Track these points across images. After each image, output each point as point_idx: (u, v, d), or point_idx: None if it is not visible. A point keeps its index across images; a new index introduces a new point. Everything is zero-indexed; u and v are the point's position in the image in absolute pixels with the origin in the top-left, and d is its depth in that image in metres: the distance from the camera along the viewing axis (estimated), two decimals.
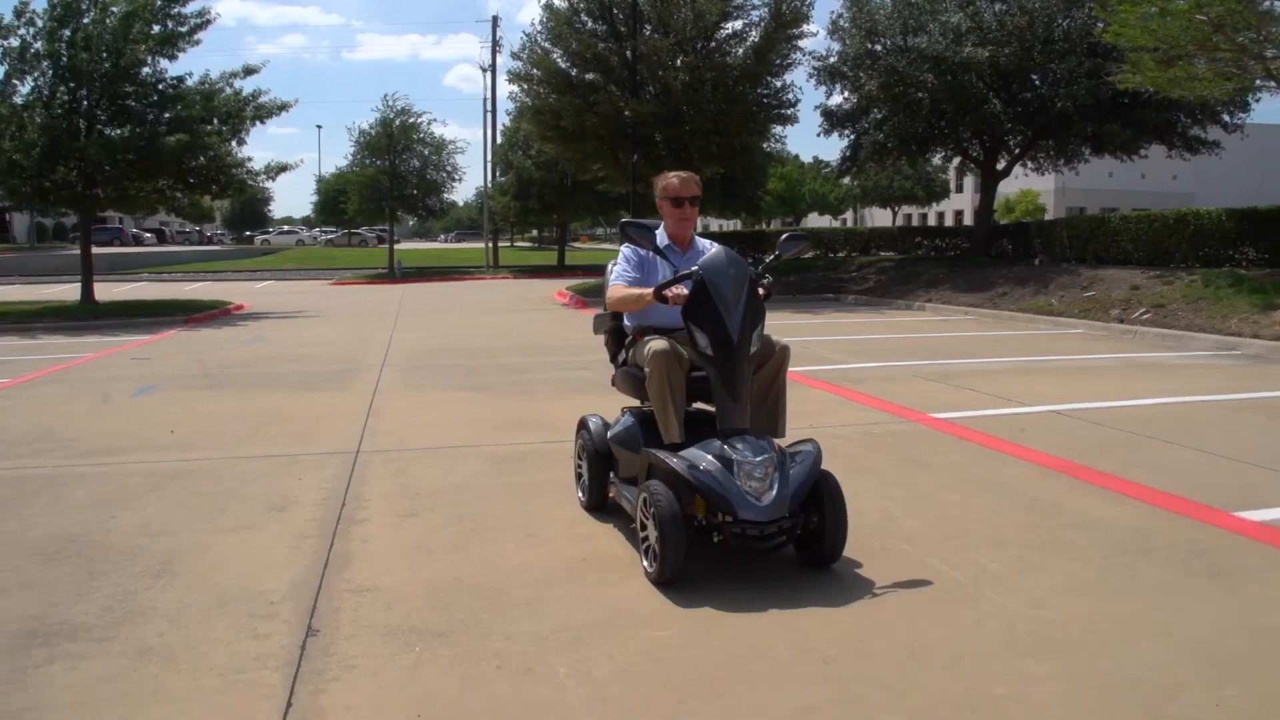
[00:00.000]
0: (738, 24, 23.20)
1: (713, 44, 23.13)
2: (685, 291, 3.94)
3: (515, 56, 23.08)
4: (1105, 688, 2.83)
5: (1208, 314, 13.20)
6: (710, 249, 4.28)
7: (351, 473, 5.58)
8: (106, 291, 22.21)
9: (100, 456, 6.12)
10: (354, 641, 3.20)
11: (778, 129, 26.30)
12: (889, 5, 22.41)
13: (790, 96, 23.68)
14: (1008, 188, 67.52)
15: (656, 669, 2.99)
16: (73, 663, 3.05)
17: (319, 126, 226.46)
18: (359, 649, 3.14)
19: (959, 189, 78.62)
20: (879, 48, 22.25)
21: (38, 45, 18.30)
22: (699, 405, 4.30)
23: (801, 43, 23.30)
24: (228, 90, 19.84)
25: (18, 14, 18.37)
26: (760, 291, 4.07)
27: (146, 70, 18.95)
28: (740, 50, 23.04)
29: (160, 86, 19.27)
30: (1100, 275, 17.07)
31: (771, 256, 4.56)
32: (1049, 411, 7.34)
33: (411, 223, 51.27)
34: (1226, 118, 21.13)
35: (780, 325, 14.48)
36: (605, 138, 22.20)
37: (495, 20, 49.78)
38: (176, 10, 19.20)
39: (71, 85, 18.23)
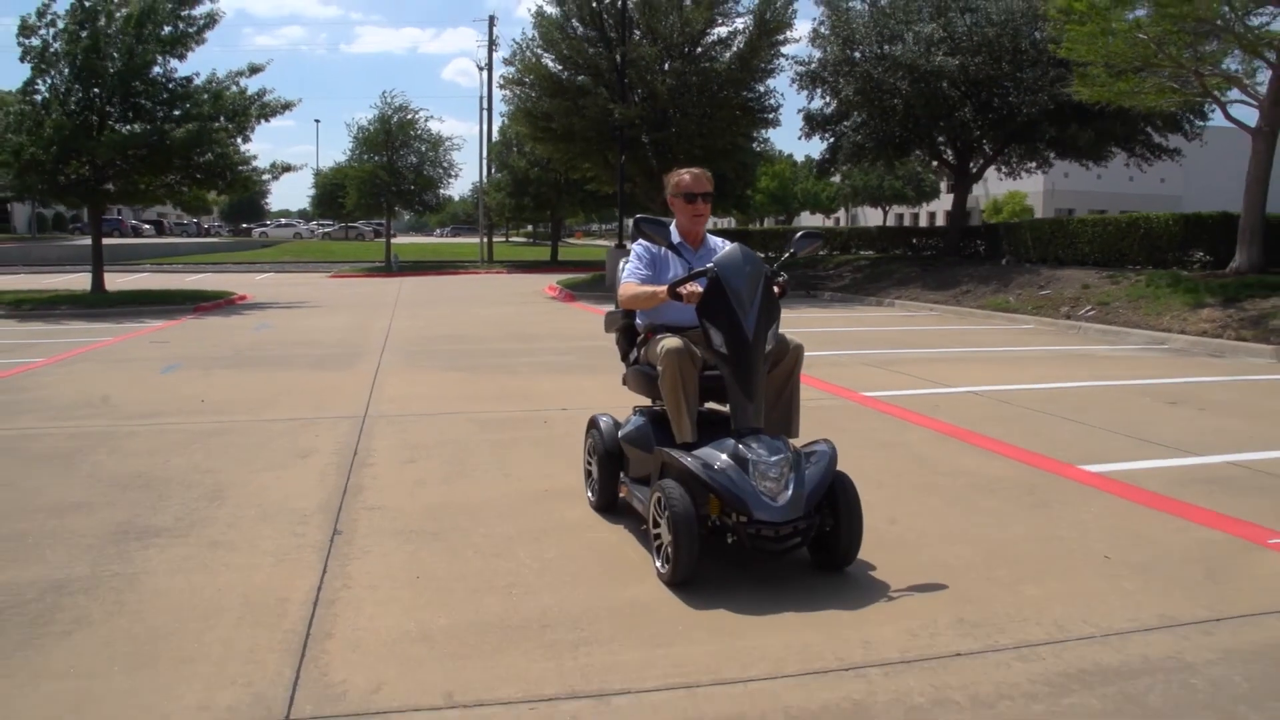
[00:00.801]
0: (723, 31, 24.29)
1: (699, 50, 24.21)
2: (699, 289, 3.91)
3: (507, 63, 24.16)
4: (917, 570, 3.91)
5: (1144, 311, 14.31)
6: (723, 246, 4.32)
7: (360, 431, 6.66)
8: (112, 281, 23.16)
9: (145, 418, 7.20)
10: (369, 539, 4.29)
11: (762, 131, 27.49)
12: (866, 15, 23.49)
13: (772, 101, 24.82)
14: (996, 189, 68.72)
15: (592, 554, 4.08)
16: (162, 549, 4.13)
17: (317, 121, 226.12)
18: (372, 543, 4.22)
19: (950, 190, 79.69)
20: (857, 55, 23.34)
21: (56, 45, 19.26)
22: (710, 404, 4.31)
23: (785, 49, 24.45)
24: (234, 88, 20.82)
25: (40, 14, 19.33)
26: (775, 289, 4.03)
27: (157, 70, 19.93)
28: (725, 56, 24.12)
29: (170, 85, 20.24)
30: (1058, 275, 18.18)
31: (787, 253, 4.48)
32: (967, 392, 8.43)
33: (407, 217, 52.15)
34: (1186, 126, 22.28)
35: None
36: (593, 139, 23.29)
37: (492, 20, 50.97)
38: (186, 13, 20.17)
39: (86, 84, 19.21)
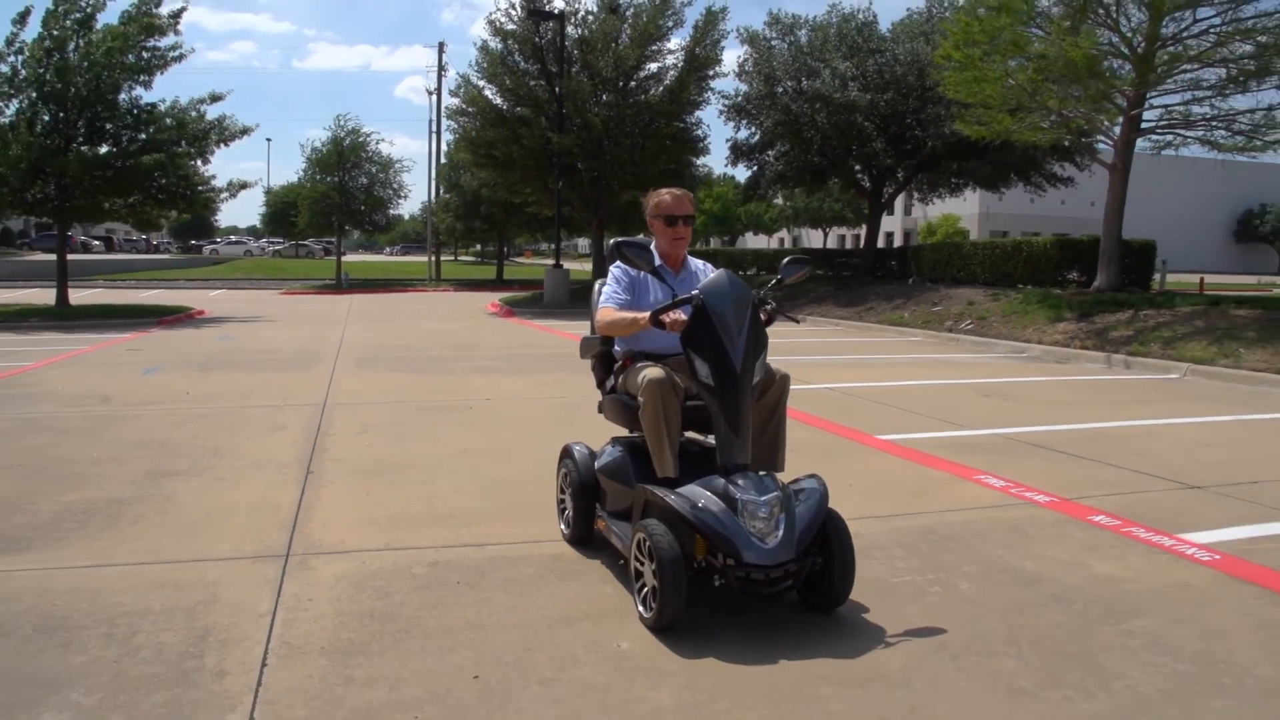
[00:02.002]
0: (655, 66, 26.21)
1: (633, 83, 26.09)
2: (684, 317, 3.77)
3: (453, 94, 25.87)
4: None
5: (1013, 324, 16.31)
6: (705, 270, 4.34)
7: (322, 413, 8.30)
8: (69, 296, 24.36)
9: (144, 406, 8.78)
10: (333, 476, 5.95)
11: (694, 159, 29.46)
12: (786, 53, 25.53)
13: (700, 132, 26.77)
14: (930, 212, 71.49)
15: (494, 481, 5.79)
16: (184, 482, 5.76)
17: (269, 140, 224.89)
18: (336, 478, 5.89)
19: (889, 211, 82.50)
20: (779, 90, 25.36)
21: (24, 72, 20.58)
22: (691, 434, 4.18)
23: (713, 83, 26.43)
24: (194, 114, 22.27)
25: (8, 42, 20.68)
26: (762, 317, 3.91)
27: (124, 96, 21.32)
28: (657, 89, 26.03)
29: (135, 111, 21.63)
30: (952, 293, 20.19)
31: (774, 280, 4.23)
32: (824, 388, 10.23)
33: (356, 235, 53.48)
34: (1077, 157, 24.52)
35: None
36: (533, 166, 25.09)
37: (441, 46, 52.79)
38: (152, 43, 21.60)
39: (53, 108, 20.56)
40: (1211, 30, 15.72)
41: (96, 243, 72.56)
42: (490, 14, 25.71)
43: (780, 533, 3.43)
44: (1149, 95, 17.03)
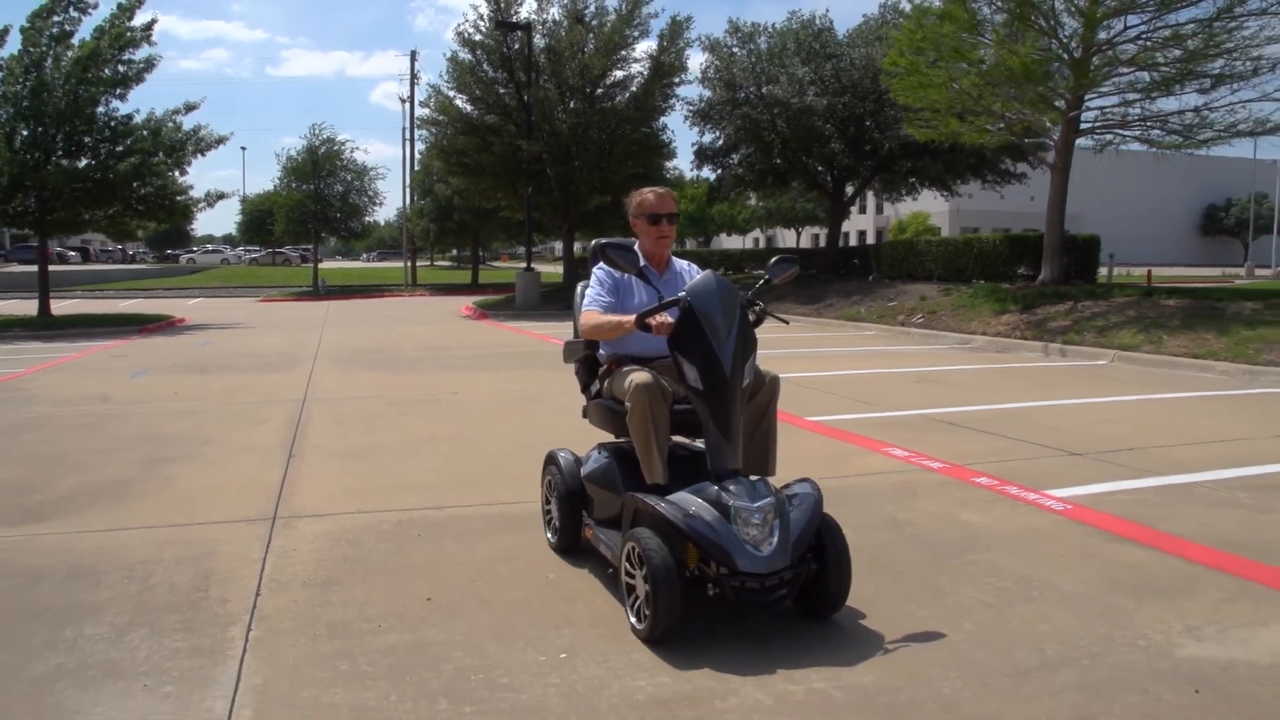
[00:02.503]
0: (620, 74, 26.99)
1: (600, 91, 26.85)
2: (670, 319, 3.72)
3: (423, 105, 26.60)
4: None
5: (961, 318, 17.16)
6: (690, 271, 4.32)
7: (302, 408, 9.02)
8: (50, 307, 24.88)
9: (137, 405, 9.47)
10: (313, 458, 6.68)
11: (662, 162, 30.26)
12: (746, 59, 26.37)
13: (665, 137, 27.59)
14: (901, 209, 72.50)
15: (460, 459, 6.53)
16: (180, 465, 6.48)
17: (243, 149, 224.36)
18: (315, 460, 6.62)
19: (862, 210, 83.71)
20: (740, 95, 26.19)
21: (2, 89, 21.14)
22: (678, 439, 4.14)
23: (679, 89, 27.25)
24: (170, 124, 22.86)
25: None
26: (751, 318, 3.86)
27: (101, 110, 21.89)
28: (623, 97, 26.81)
29: (112, 124, 22.18)
30: (907, 289, 21.04)
31: (761, 281, 4.09)
32: None
33: (333, 242, 54.03)
34: (1030, 156, 25.43)
35: None
36: (503, 173, 25.80)
37: (413, 55, 53.37)
38: (127, 56, 22.18)
39: (31, 123, 21.12)
40: (1142, 37, 16.61)
41: (73, 254, 72.69)
42: (459, 25, 26.36)
43: (775, 539, 3.35)
44: (1087, 98, 17.91)
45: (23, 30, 21.46)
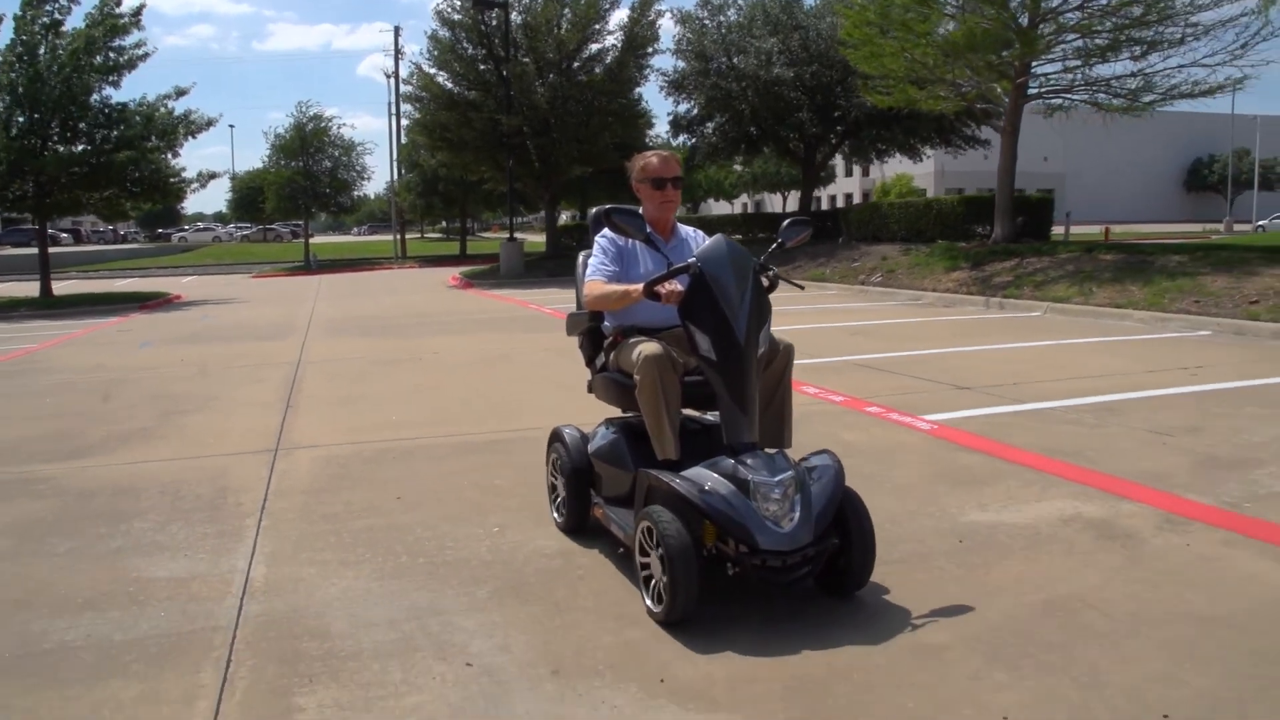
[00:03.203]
0: (595, 47, 27.87)
1: (576, 64, 27.73)
2: (680, 287, 3.57)
3: (405, 82, 27.49)
4: None
5: (915, 276, 18.22)
6: (696, 237, 4.19)
7: (296, 369, 10.08)
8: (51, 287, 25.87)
9: (147, 371, 10.53)
10: (308, 407, 7.76)
11: (645, 130, 31.20)
12: (717, 31, 27.29)
13: (640, 108, 28.51)
14: (887, 171, 73.17)
15: (430, 404, 7.60)
16: (191, 415, 7.55)
17: (231, 126, 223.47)
18: (310, 408, 7.69)
19: (848, 173, 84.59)
20: (712, 66, 27.12)
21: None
22: (688, 412, 3.96)
23: (653, 60, 28.15)
24: (162, 109, 23.75)
25: None
26: (764, 284, 3.68)
27: (95, 97, 22.76)
28: (598, 70, 27.70)
29: (106, 110, 23.06)
30: (871, 250, 22.07)
31: (775, 244, 3.95)
32: None
33: (324, 217, 54.85)
34: (994, 121, 26.40)
35: None
36: (484, 147, 26.74)
37: (397, 30, 54.15)
38: (117, 43, 23.01)
39: (27, 110, 21.99)
40: (1083, 7, 17.56)
41: (65, 235, 73.31)
42: (437, 5, 27.19)
43: (796, 515, 3.21)
44: (1035, 65, 18.88)
45: (15, 19, 22.26)
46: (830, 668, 2.98)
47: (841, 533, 3.39)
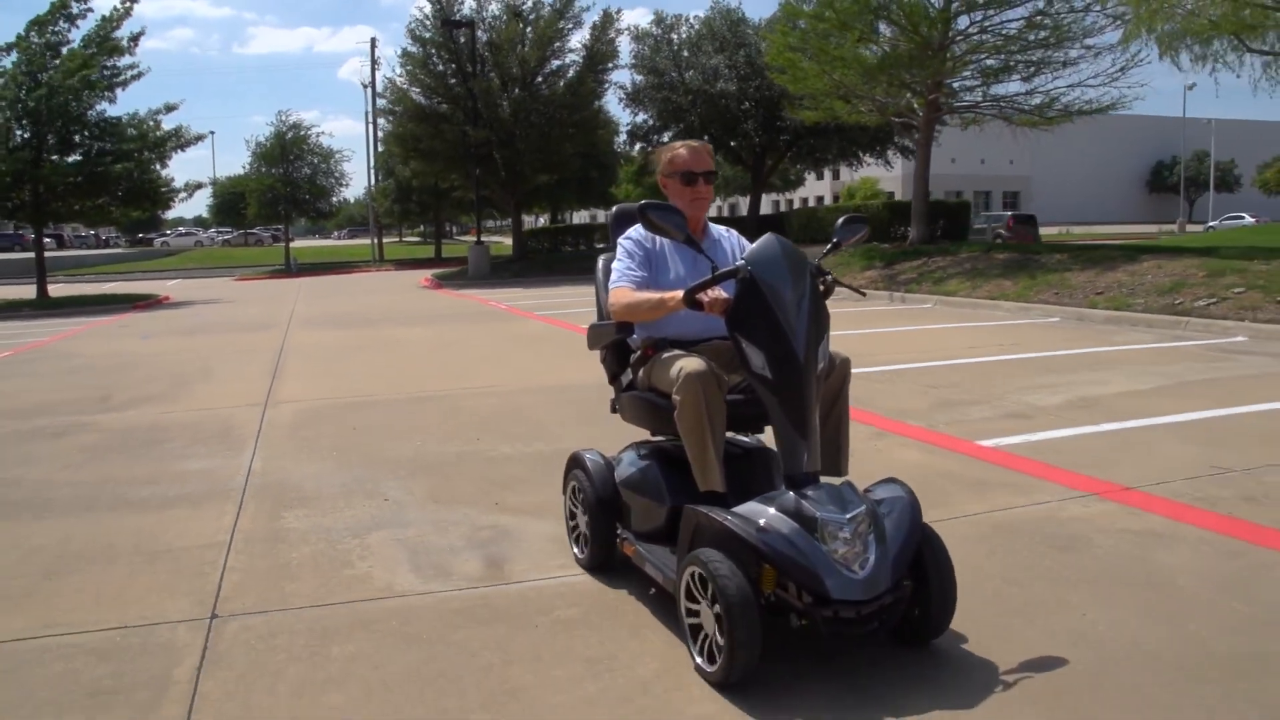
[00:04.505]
0: (557, 64, 29.89)
1: (539, 80, 29.73)
2: (725, 294, 3.09)
3: (380, 96, 29.43)
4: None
5: (836, 274, 20.22)
6: (730, 237, 3.83)
7: (280, 353, 12.03)
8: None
9: (153, 356, 12.47)
10: (290, 377, 9.72)
11: (613, 137, 33.29)
12: (669, 49, 29.39)
13: (604, 118, 30.58)
14: (849, 177, 75.29)
15: (392, 367, 9.59)
16: (196, 387, 9.50)
17: (212, 132, 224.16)
18: (292, 379, 9.66)
19: (819, 177, 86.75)
20: (665, 80, 29.19)
21: (3, 91, 23.73)
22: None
23: (613, 75, 30.21)
24: (151, 123, 25.59)
25: None
26: (820, 289, 3.19)
27: (92, 113, 24.57)
28: (559, 84, 29.72)
29: (100, 125, 24.84)
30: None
31: (829, 245, 3.48)
32: None
33: (304, 221, 56.63)
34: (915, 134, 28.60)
35: (582, 296, 21.38)
36: (453, 157, 28.69)
37: (373, 42, 56.22)
38: (112, 63, 24.80)
39: (27, 124, 23.79)
40: (980, 34, 19.71)
41: (49, 240, 73.88)
42: (409, 23, 29.16)
43: (871, 557, 2.80)
44: (947, 82, 21.00)
45: (17, 38, 24.02)
46: None
47: (917, 574, 2.94)
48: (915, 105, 21.64)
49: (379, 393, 8.59)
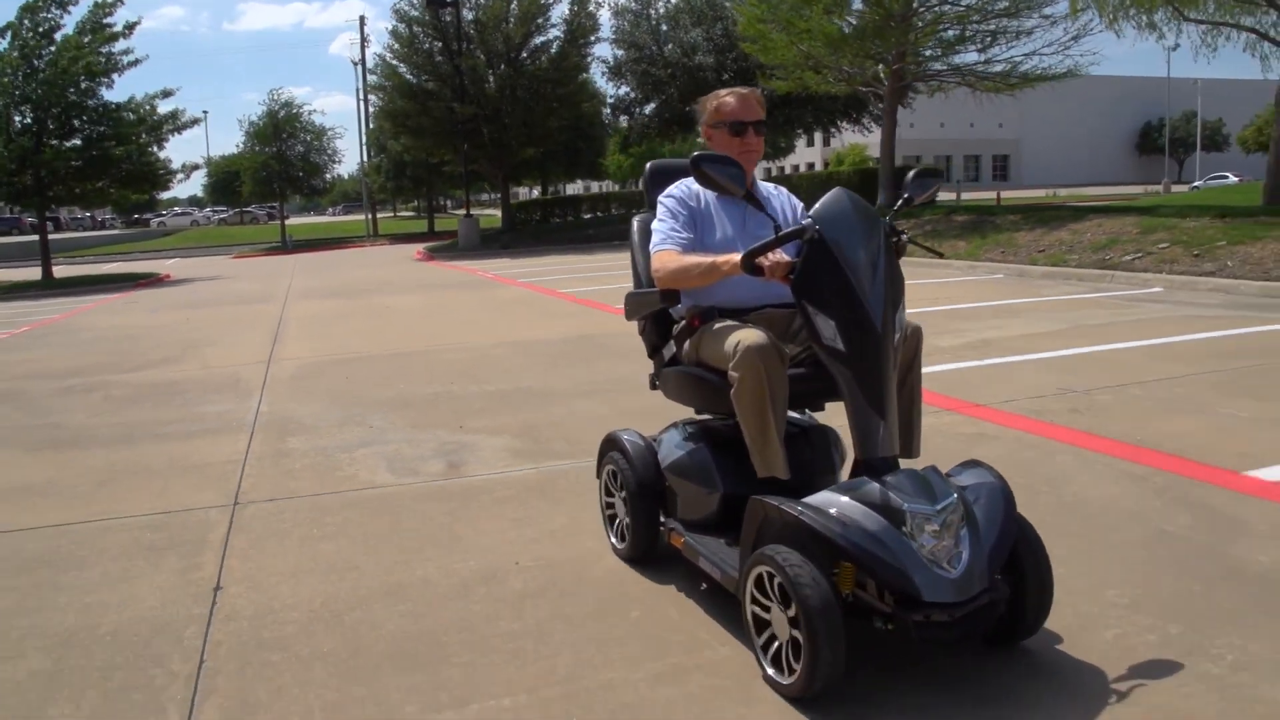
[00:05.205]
0: (540, 40, 30.77)
1: (524, 55, 30.61)
2: (786, 258, 2.75)
3: (371, 73, 30.27)
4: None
5: None
6: (780, 195, 3.42)
7: (280, 321, 13.07)
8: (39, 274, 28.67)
9: (162, 327, 13.52)
10: (289, 340, 10.78)
11: (601, 108, 34.19)
12: (647, 23, 30.26)
13: (589, 89, 31.51)
14: (839, 144, 75.91)
15: (373, 327, 10.66)
16: (205, 351, 10.56)
17: (205, 112, 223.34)
18: (292, 340, 10.72)
19: (810, 144, 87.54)
20: (645, 53, 30.09)
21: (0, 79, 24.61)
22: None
23: (595, 50, 31.09)
24: (147, 107, 26.48)
25: None
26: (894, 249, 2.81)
27: (92, 100, 25.45)
28: (544, 59, 30.61)
29: (100, 110, 25.71)
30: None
31: (899, 200, 3.05)
32: (611, 289, 15.09)
33: (299, 199, 57.50)
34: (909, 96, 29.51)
35: (565, 264, 22.42)
36: (442, 133, 29.63)
37: (362, 20, 56.46)
38: (107, 49, 25.64)
39: (26, 110, 24.69)
40: (947, 2, 20.63)
41: (47, 223, 75.07)
42: (396, 4, 30.02)
43: (965, 554, 2.46)
44: (910, 53, 21.94)
45: (11, 26, 24.83)
46: None
47: (1013, 571, 2.65)
48: (881, 75, 22.57)
49: (369, 350, 9.64)
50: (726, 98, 3.30)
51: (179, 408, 7.17)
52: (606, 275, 17.43)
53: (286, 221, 48.12)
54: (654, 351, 3.52)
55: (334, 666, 2.88)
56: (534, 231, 33.91)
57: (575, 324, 10.80)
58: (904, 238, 3.01)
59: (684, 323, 3.26)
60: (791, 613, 2.43)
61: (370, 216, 51.06)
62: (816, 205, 2.74)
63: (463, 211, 32.07)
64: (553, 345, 9.31)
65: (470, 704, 2.63)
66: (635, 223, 3.61)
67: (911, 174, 3.11)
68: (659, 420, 3.76)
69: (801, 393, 3.02)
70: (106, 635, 3.18)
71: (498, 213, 39.67)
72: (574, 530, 3.98)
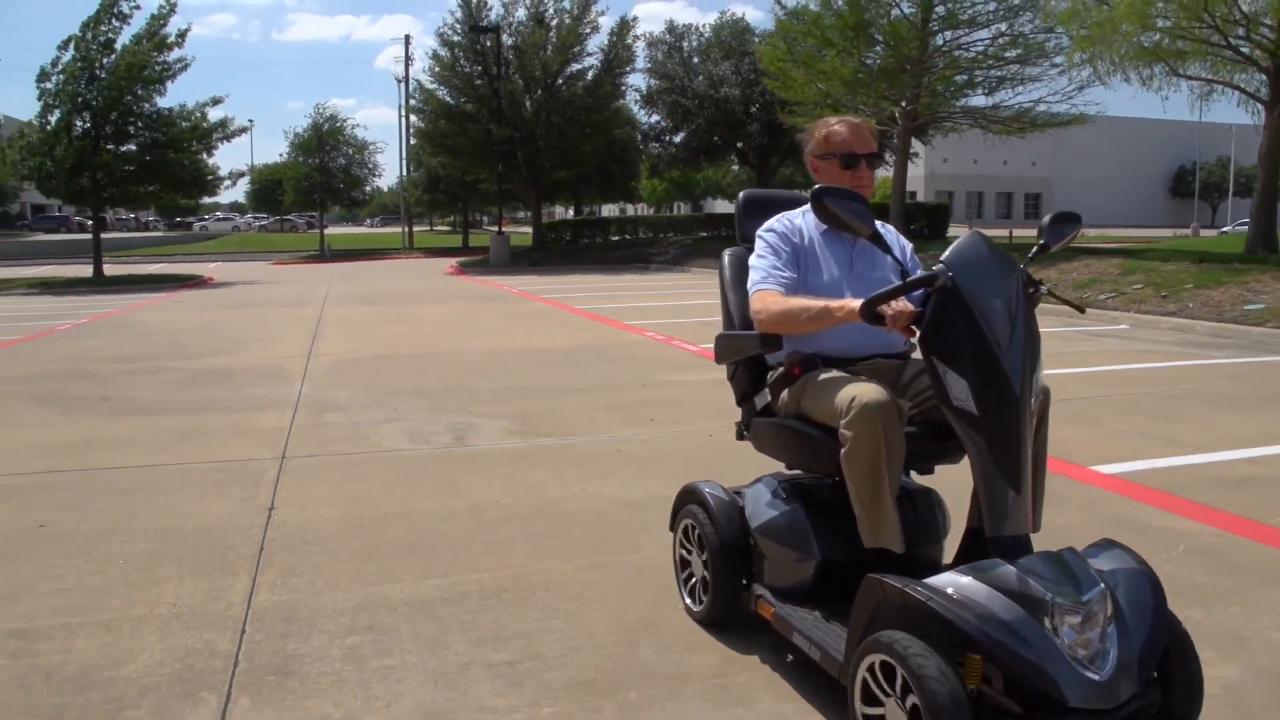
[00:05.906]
0: (576, 67, 32.15)
1: (560, 82, 31.98)
2: (909, 307, 2.47)
3: (410, 97, 31.78)
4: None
5: None
6: (888, 234, 2.86)
7: (318, 323, 14.31)
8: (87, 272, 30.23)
9: (208, 325, 14.80)
10: (327, 339, 12.00)
11: (633, 133, 35.50)
12: (679, 56, 31.59)
13: (623, 115, 32.85)
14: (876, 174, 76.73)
15: (412, 335, 11.86)
16: (252, 345, 11.80)
17: (251, 121, 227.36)
18: (330, 339, 11.93)
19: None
20: (675, 85, 31.39)
21: (66, 86, 26.14)
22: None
23: (630, 79, 32.47)
24: (198, 114, 28.00)
25: (53, 64, 26.39)
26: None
27: (147, 106, 26.98)
28: (579, 86, 31.97)
29: (154, 116, 27.21)
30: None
31: (1034, 247, 2.78)
32: (626, 307, 16.24)
33: (337, 209, 59.24)
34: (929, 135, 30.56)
35: (588, 283, 23.64)
36: (478, 153, 31.02)
37: (407, 39, 58.53)
38: (162, 59, 27.17)
39: (85, 116, 26.23)
40: (951, 52, 21.75)
41: (91, 223, 77.18)
42: (439, 28, 31.53)
43: (1112, 654, 2.14)
44: (923, 95, 23.05)
45: (75, 39, 26.42)
46: None
47: (1161, 673, 2.30)
48: (896, 116, 23.68)
49: (397, 350, 10.83)
50: (837, 126, 3.05)
51: (232, 389, 8.38)
52: (625, 295, 18.61)
53: (325, 231, 49.72)
54: (744, 399, 3.20)
55: (355, 554, 4.06)
56: (563, 250, 35.20)
57: (584, 336, 11.96)
58: (1042, 289, 2.60)
59: (782, 370, 2.93)
60: (910, 702, 2.13)
61: (407, 229, 52.62)
62: (949, 249, 2.47)
63: (506, 228, 33.40)
64: (559, 353, 10.47)
65: (449, 576, 3.80)
66: (726, 257, 3.31)
67: (1047, 219, 2.76)
68: (643, 413, 4.89)
69: (912, 453, 2.71)
70: (192, 532, 4.36)
71: (530, 230, 41.11)
72: (546, 484, 5.13)
